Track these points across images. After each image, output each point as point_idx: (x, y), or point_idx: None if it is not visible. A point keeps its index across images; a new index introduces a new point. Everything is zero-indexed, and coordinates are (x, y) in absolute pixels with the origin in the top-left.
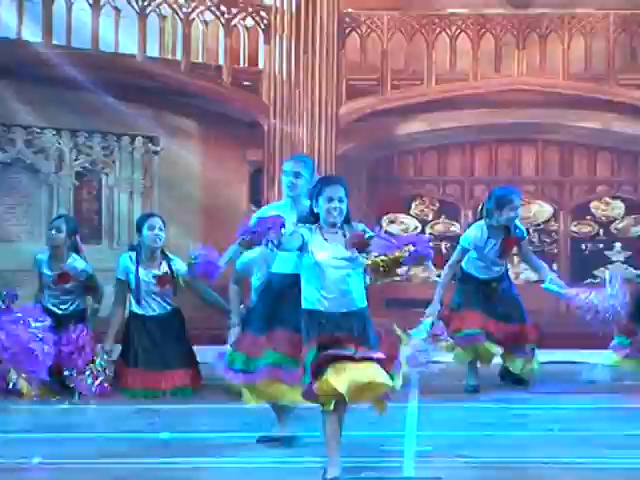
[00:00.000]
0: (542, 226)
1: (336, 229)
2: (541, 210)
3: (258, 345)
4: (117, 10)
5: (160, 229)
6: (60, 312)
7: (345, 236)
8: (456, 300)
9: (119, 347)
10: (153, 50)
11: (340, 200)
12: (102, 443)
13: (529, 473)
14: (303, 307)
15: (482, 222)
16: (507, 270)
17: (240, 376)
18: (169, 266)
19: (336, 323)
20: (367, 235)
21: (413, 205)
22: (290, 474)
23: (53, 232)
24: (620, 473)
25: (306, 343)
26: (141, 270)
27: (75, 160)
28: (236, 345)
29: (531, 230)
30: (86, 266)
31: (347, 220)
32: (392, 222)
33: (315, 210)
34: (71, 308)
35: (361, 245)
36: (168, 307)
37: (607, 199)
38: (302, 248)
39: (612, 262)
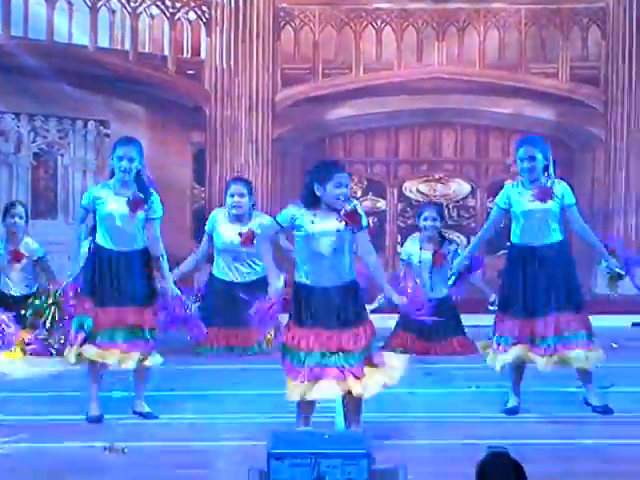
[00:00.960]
0: (461, 202)
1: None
2: (460, 188)
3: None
4: (70, 4)
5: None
6: (16, 295)
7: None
8: None
9: None
10: (104, 41)
11: (346, 186)
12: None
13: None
14: (294, 280)
15: None
16: None
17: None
18: None
19: (323, 297)
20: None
21: None
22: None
23: (16, 219)
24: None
25: (290, 319)
26: None
27: (33, 142)
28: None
29: (450, 206)
30: (39, 247)
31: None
32: None
33: (318, 193)
34: (26, 290)
35: (354, 221)
36: None
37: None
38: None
39: None
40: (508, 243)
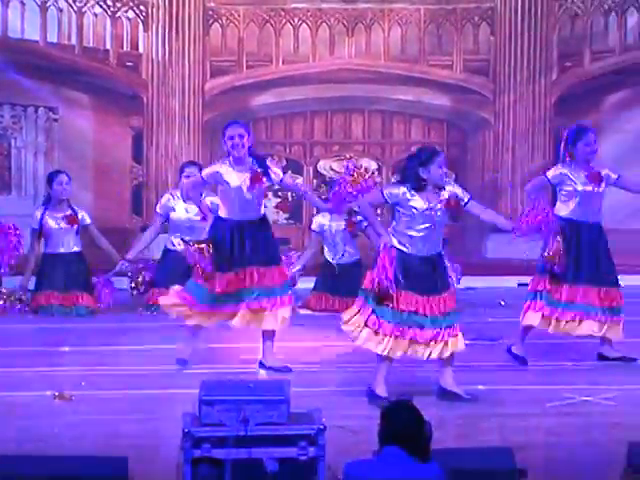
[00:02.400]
0: (370, 178)
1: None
2: (367, 166)
3: None
4: (22, 3)
5: (67, 183)
6: None
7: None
8: None
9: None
10: (53, 36)
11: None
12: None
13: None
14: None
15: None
16: None
17: None
18: (73, 211)
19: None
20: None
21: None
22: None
23: None
24: None
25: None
26: (48, 217)
27: None
28: None
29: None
30: None
31: None
32: None
33: (424, 176)
34: None
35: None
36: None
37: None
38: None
39: None
40: None
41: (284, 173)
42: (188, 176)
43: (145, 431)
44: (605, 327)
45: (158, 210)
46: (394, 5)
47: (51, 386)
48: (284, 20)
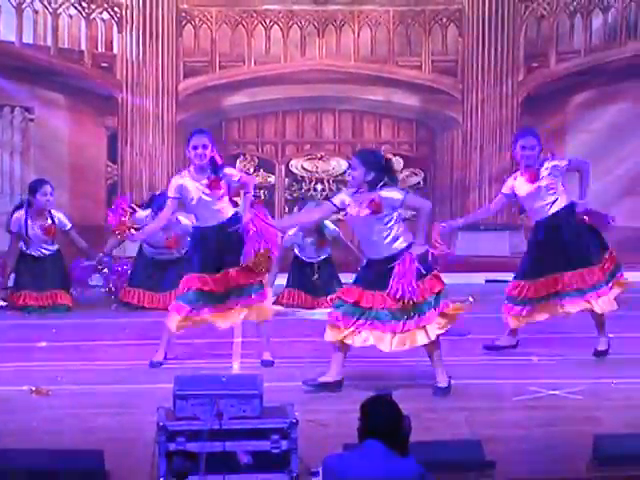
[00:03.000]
0: (340, 177)
1: None
2: (338, 165)
3: None
4: None
5: (51, 194)
6: None
7: None
8: None
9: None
10: (28, 38)
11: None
12: None
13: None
14: None
15: None
16: None
17: None
18: (52, 219)
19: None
20: None
21: (237, 161)
22: None
23: None
24: None
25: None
26: (30, 223)
27: None
28: None
29: (331, 180)
30: None
31: None
32: None
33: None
34: None
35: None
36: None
37: (390, 156)
38: None
39: None
40: None
41: (248, 174)
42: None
43: (121, 425)
44: (587, 304)
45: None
46: (364, 7)
47: (28, 381)
48: (256, 21)
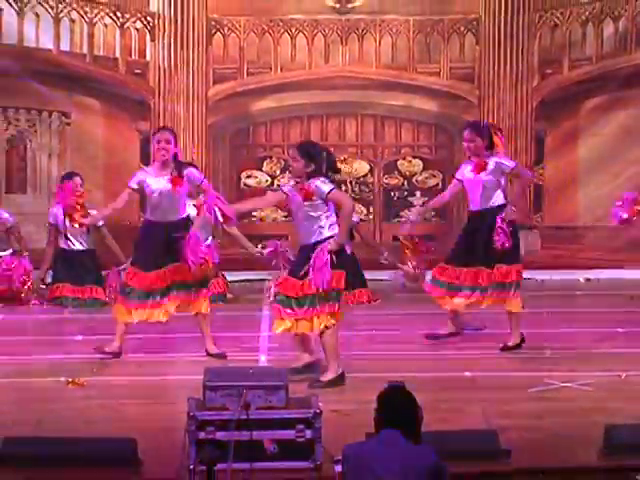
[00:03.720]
0: (362, 179)
1: None
2: (360, 167)
3: None
4: (37, 15)
5: (80, 186)
6: None
7: None
8: None
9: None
10: (65, 45)
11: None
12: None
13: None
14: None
15: None
16: None
17: None
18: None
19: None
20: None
21: (264, 164)
22: None
23: None
24: None
25: None
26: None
27: (6, 130)
28: None
29: (353, 182)
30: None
31: None
32: (249, 177)
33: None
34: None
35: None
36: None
37: (410, 158)
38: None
39: (413, 205)
40: None
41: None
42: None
43: (153, 415)
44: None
45: None
46: (385, 16)
47: (65, 373)
48: (282, 30)
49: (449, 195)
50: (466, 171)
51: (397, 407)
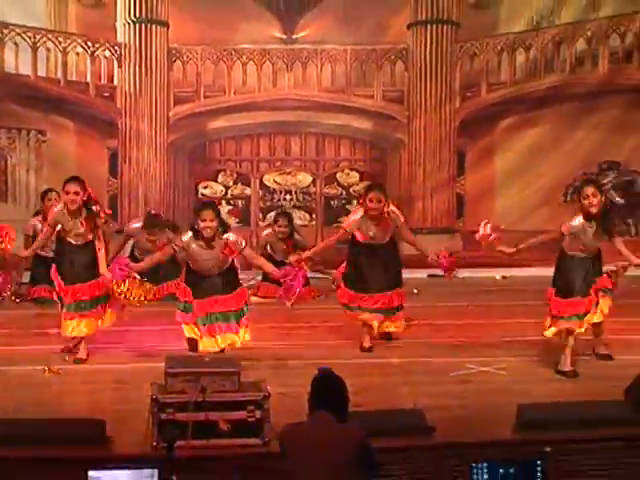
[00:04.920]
0: (305, 189)
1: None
2: (304, 178)
3: None
4: (16, 44)
5: (55, 200)
6: None
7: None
8: None
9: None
10: (42, 71)
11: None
12: None
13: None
14: None
15: None
16: None
17: None
18: None
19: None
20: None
21: (219, 176)
22: None
23: None
24: None
25: None
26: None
27: None
28: None
29: (298, 192)
30: None
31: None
32: (205, 187)
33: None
34: None
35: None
36: None
37: (347, 171)
38: None
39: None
40: None
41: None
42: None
43: (120, 398)
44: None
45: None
46: (325, 46)
47: (43, 361)
48: (234, 58)
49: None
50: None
51: (327, 390)
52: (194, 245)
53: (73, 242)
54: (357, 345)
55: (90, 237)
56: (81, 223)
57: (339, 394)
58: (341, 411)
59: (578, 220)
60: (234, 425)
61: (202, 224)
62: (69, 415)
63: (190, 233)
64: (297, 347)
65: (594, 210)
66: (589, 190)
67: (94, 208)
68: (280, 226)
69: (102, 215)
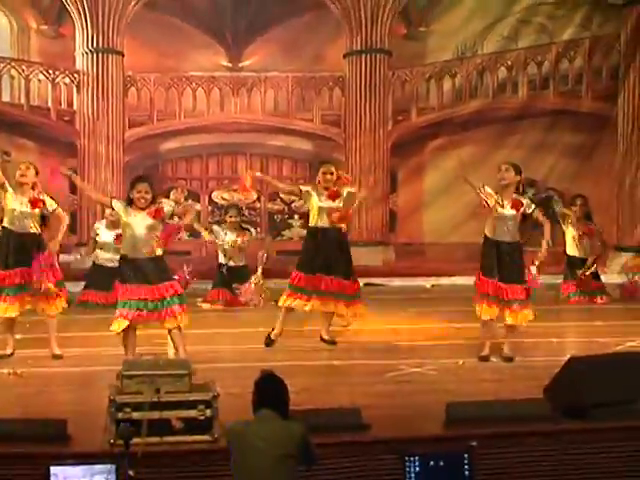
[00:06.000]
0: (251, 205)
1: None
2: (250, 195)
3: None
4: None
5: None
6: None
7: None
8: None
9: None
10: (6, 97)
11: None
12: None
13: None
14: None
15: None
16: None
17: None
18: None
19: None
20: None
21: (171, 193)
22: None
23: None
24: None
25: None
26: None
27: None
28: None
29: (244, 207)
30: None
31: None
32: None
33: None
34: None
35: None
36: None
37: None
38: None
39: (292, 227)
40: None
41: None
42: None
43: (80, 399)
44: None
45: None
46: (268, 73)
47: (7, 365)
48: (185, 85)
49: None
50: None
51: (269, 390)
52: (129, 208)
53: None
54: (297, 349)
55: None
56: (30, 202)
57: (280, 393)
58: (283, 409)
59: None
60: (186, 423)
61: (137, 195)
62: (32, 415)
63: (124, 203)
64: (247, 350)
65: None
66: None
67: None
68: (231, 216)
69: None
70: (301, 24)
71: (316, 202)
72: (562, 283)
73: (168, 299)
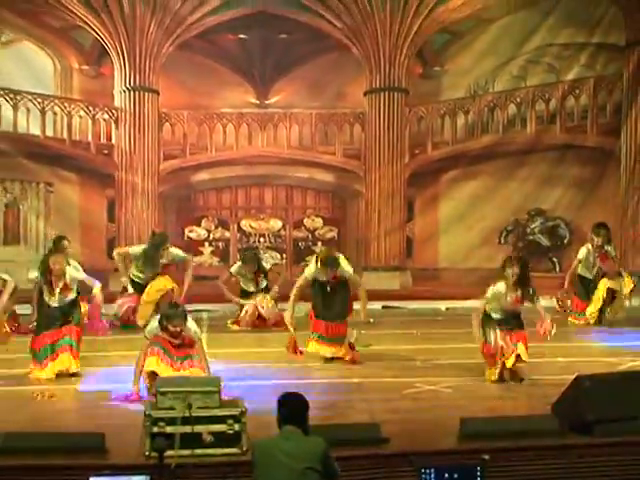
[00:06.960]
0: (277, 233)
1: None
2: (275, 224)
3: None
4: (27, 109)
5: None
6: None
7: None
8: None
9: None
10: (50, 131)
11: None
12: None
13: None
14: None
15: None
16: None
17: None
18: None
19: None
20: None
21: (202, 222)
22: None
23: None
24: None
25: None
26: None
27: (4, 197)
28: None
29: (270, 235)
30: None
31: None
32: (191, 231)
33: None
34: None
35: None
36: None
37: (313, 217)
38: None
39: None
40: None
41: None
42: None
43: (118, 414)
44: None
45: None
46: (293, 110)
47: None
48: (216, 120)
49: None
50: None
51: (291, 408)
52: (160, 333)
53: None
54: (319, 368)
55: None
56: None
57: (302, 410)
58: (305, 425)
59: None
60: (216, 436)
61: (172, 329)
62: (71, 429)
63: (157, 324)
64: (272, 370)
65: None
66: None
67: None
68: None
69: None
70: (324, 64)
71: None
72: (574, 298)
73: None
